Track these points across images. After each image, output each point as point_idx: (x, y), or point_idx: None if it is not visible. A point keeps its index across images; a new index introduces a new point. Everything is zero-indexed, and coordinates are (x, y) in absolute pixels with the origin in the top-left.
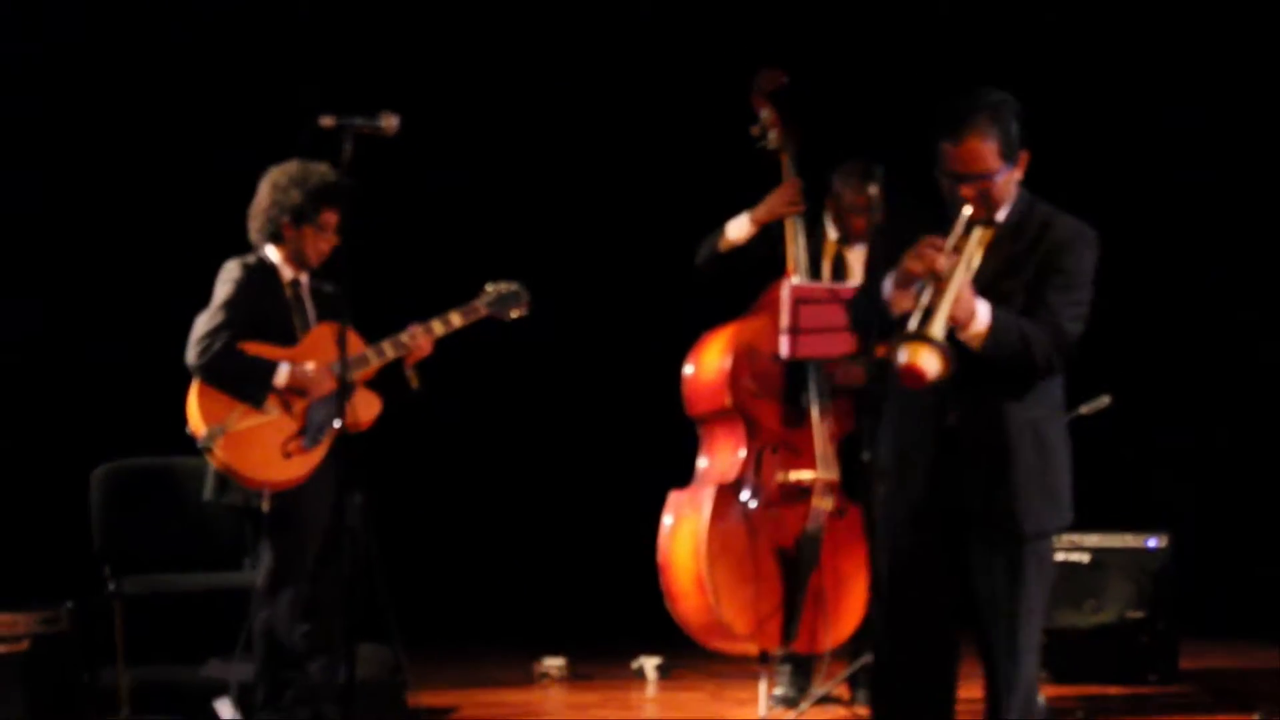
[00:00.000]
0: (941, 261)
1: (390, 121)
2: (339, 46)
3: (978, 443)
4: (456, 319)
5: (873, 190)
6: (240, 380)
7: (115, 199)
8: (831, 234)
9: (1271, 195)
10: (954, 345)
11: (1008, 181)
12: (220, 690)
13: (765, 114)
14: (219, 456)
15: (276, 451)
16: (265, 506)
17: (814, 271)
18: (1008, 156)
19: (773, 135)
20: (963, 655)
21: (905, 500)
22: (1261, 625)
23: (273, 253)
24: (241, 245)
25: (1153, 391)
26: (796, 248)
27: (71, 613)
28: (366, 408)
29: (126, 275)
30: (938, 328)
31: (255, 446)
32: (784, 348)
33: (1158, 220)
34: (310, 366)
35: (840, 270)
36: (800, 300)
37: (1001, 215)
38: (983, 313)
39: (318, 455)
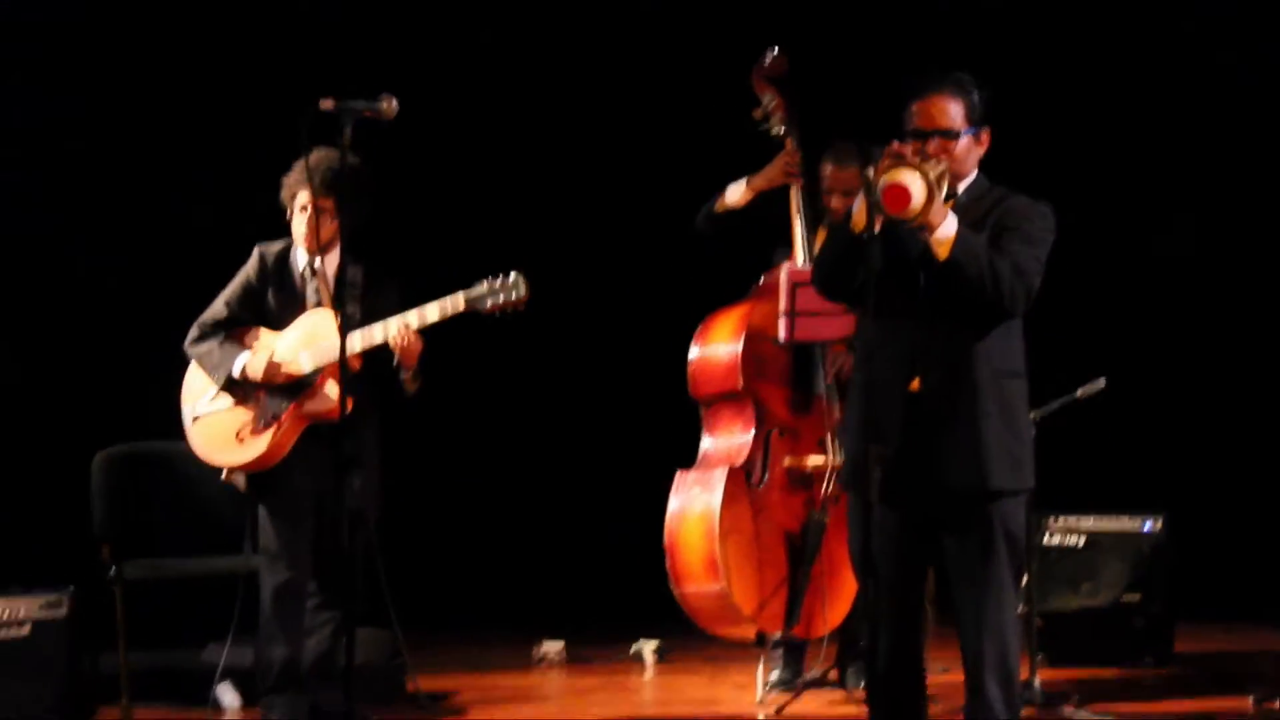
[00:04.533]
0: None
1: (390, 104)
2: (337, 32)
3: (945, 403)
4: (433, 314)
5: (850, 172)
6: (210, 367)
7: (114, 185)
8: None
9: (1266, 182)
10: (923, 279)
11: (969, 150)
12: (221, 674)
13: (768, 98)
14: (189, 436)
15: (231, 436)
16: (242, 487)
17: (811, 251)
18: (971, 122)
19: (776, 119)
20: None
21: (879, 475)
22: (1257, 607)
23: (295, 240)
24: (241, 231)
25: (1148, 374)
26: (799, 228)
27: (72, 598)
28: (328, 400)
29: (127, 259)
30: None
31: (214, 430)
32: (781, 331)
33: (1152, 203)
34: (261, 365)
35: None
36: (797, 284)
37: (961, 188)
38: (951, 218)
39: (271, 440)
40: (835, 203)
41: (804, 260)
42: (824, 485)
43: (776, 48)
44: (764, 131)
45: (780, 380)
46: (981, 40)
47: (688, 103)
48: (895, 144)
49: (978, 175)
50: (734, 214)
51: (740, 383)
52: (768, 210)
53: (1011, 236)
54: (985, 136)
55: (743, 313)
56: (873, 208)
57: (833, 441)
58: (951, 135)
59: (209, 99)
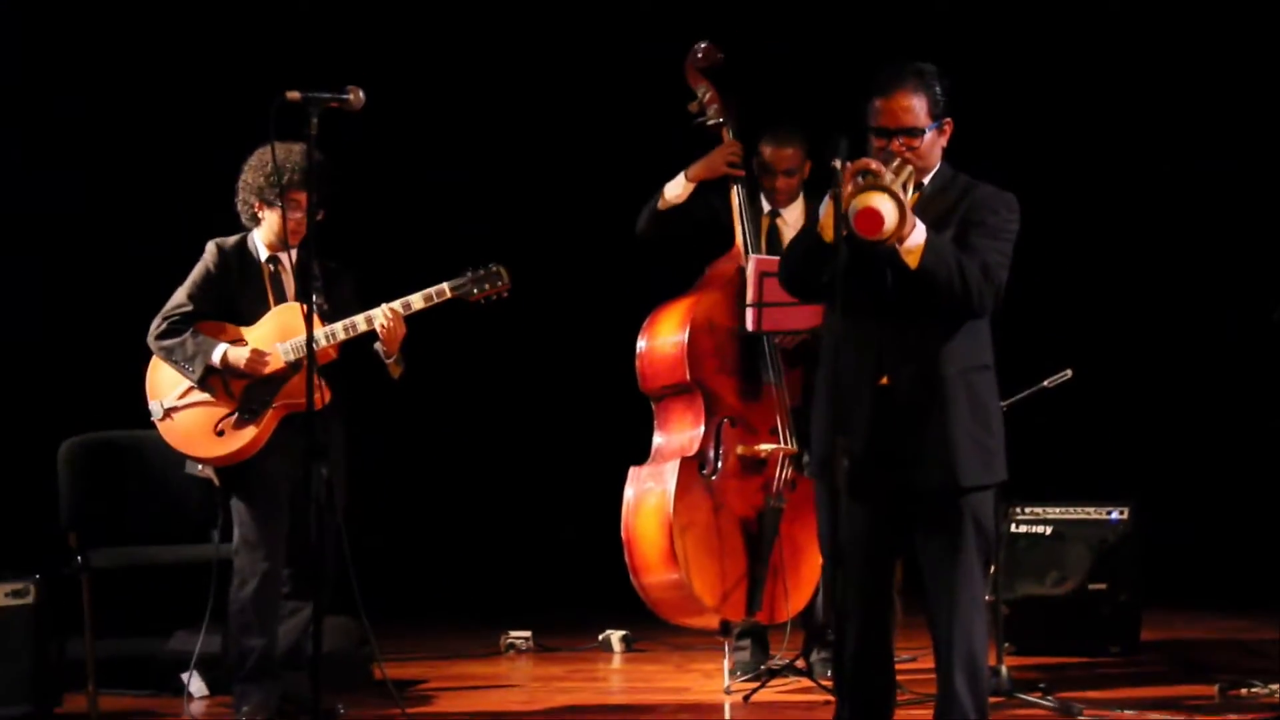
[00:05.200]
0: (877, 165)
1: (356, 96)
2: (304, 23)
3: (913, 400)
4: (418, 302)
5: (790, 150)
6: (182, 359)
7: (81, 173)
8: (765, 206)
9: (1231, 172)
10: (891, 282)
11: (933, 143)
12: (188, 663)
13: (702, 90)
14: (160, 431)
15: (209, 430)
16: (215, 480)
17: (756, 245)
18: (935, 116)
19: (712, 111)
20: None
21: (846, 466)
22: (1222, 596)
23: (256, 233)
24: (204, 221)
25: (1114, 365)
26: (741, 220)
27: (39, 585)
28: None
29: (93, 250)
30: (888, 180)
31: (188, 424)
32: (749, 322)
33: (1118, 195)
34: (245, 353)
35: (775, 241)
36: (764, 274)
37: (926, 180)
38: (920, 226)
39: (252, 433)
40: (780, 183)
41: (744, 258)
42: (778, 471)
43: (708, 41)
44: (700, 124)
45: (728, 370)
46: (925, 28)
47: (631, 98)
48: (864, 161)
49: (942, 165)
50: (677, 209)
51: (687, 374)
52: (710, 204)
53: (979, 232)
54: (948, 126)
55: (687, 305)
56: (840, 221)
57: (785, 427)
58: (916, 133)
59: (156, 92)
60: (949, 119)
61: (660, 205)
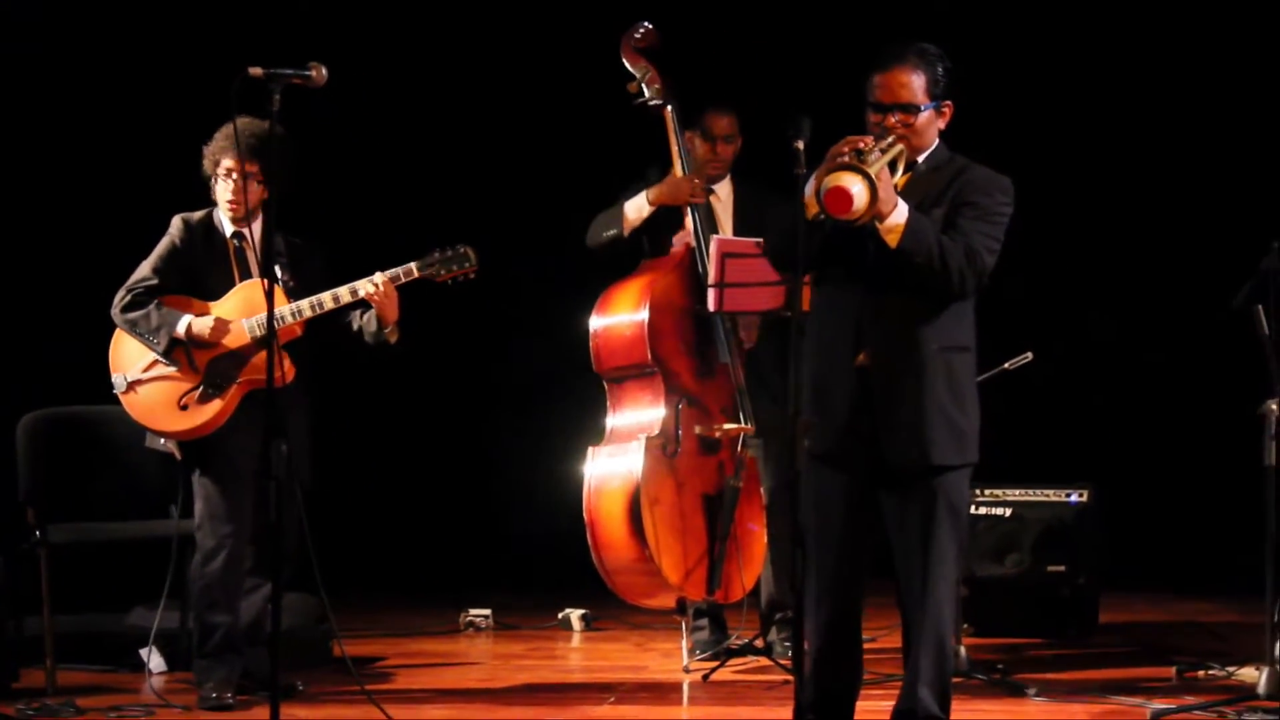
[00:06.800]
0: (864, 142)
1: (319, 72)
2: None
3: (890, 376)
4: (382, 280)
5: (729, 117)
6: (146, 331)
7: (41, 148)
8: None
9: (1192, 160)
10: (872, 255)
11: (930, 123)
12: (147, 638)
13: (642, 69)
14: (123, 404)
15: (172, 404)
16: (177, 454)
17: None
18: (933, 96)
19: (653, 91)
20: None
21: (823, 445)
22: (1180, 579)
23: (220, 208)
24: (168, 194)
25: (1074, 347)
26: (690, 213)
27: None
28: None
29: (53, 224)
30: (867, 165)
31: (152, 397)
32: (710, 302)
33: (1078, 179)
34: (209, 322)
35: (709, 217)
36: (726, 255)
37: (920, 159)
38: (901, 206)
39: (216, 407)
40: (720, 149)
41: (694, 238)
42: (735, 450)
43: (646, 22)
44: (641, 104)
45: (685, 350)
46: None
47: (576, 80)
48: (847, 140)
49: (938, 145)
50: (636, 230)
51: (648, 354)
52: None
53: (968, 213)
54: (948, 109)
55: (644, 283)
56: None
57: (739, 407)
58: (912, 109)
59: (130, 68)
60: (949, 102)
61: (625, 230)
